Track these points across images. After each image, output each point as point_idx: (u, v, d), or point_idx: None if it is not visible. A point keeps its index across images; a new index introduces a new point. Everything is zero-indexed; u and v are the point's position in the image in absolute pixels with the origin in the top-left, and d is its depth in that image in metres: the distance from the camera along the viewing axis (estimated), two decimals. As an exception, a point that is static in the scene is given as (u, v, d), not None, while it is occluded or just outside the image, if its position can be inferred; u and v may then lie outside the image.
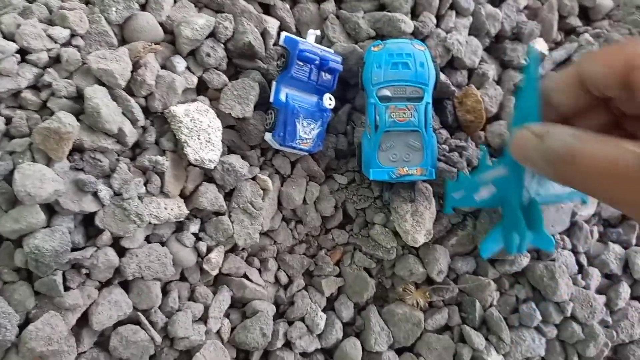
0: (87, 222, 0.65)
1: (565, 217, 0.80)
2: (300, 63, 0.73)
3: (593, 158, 0.37)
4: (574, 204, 0.81)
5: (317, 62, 0.73)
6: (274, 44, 0.79)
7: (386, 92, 0.74)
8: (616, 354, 0.83)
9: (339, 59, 0.76)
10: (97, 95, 0.62)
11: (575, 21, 0.94)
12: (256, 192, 0.74)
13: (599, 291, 0.82)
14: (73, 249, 0.62)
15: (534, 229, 0.68)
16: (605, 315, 0.80)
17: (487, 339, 0.78)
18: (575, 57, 0.90)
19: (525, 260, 0.79)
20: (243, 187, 0.73)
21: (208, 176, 0.72)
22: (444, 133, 0.82)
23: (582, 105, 0.47)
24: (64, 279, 0.62)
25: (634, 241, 0.85)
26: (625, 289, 0.82)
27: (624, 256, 0.83)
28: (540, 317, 0.78)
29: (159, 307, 0.68)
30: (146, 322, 0.66)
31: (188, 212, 0.69)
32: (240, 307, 0.75)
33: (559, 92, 0.48)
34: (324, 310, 0.78)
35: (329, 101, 0.75)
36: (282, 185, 0.77)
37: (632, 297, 0.83)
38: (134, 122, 0.66)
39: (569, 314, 0.79)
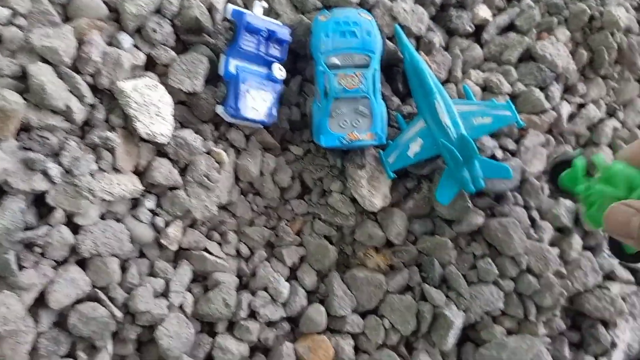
0: (39, 202, 0.65)
1: (515, 174, 0.82)
2: (248, 35, 0.73)
3: None
4: (523, 162, 0.84)
5: (264, 33, 0.74)
6: (223, 20, 0.80)
7: (335, 60, 0.75)
8: (572, 304, 0.86)
9: (287, 29, 0.76)
10: (42, 73, 0.62)
11: (516, -13, 0.97)
12: (211, 166, 0.74)
13: (552, 244, 0.85)
14: (26, 229, 0.61)
15: (470, 159, 0.74)
16: (560, 267, 0.83)
17: (447, 296, 0.80)
18: (517, 22, 0.92)
19: (480, 218, 0.81)
20: (197, 161, 0.73)
21: (161, 152, 0.72)
22: (395, 100, 0.84)
23: None
24: (18, 259, 0.61)
25: (583, 195, 0.88)
26: (577, 241, 0.85)
27: (575, 209, 0.86)
28: (497, 272, 0.81)
29: (119, 284, 0.68)
30: (105, 298, 0.66)
31: (143, 188, 0.69)
32: (202, 281, 0.75)
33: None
34: (287, 280, 0.79)
35: (279, 71, 0.76)
36: (237, 159, 0.77)
37: (585, 248, 0.86)
38: (81, 98, 0.66)
39: (524, 267, 0.81)
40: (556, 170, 0.74)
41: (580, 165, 0.69)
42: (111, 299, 0.67)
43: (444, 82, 0.86)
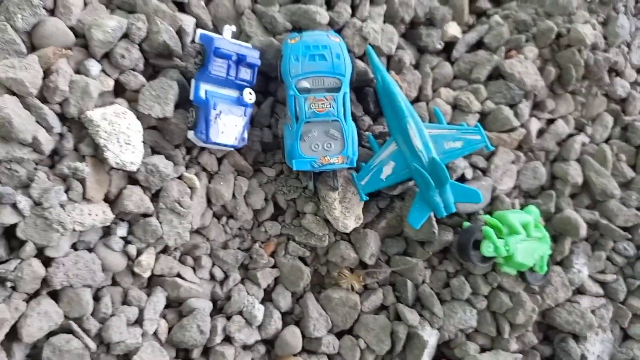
0: (9, 235, 0.64)
1: (486, 192, 0.83)
2: (218, 59, 0.73)
3: None
4: (493, 180, 0.85)
5: (234, 57, 0.74)
6: (192, 42, 0.79)
7: (305, 84, 0.75)
8: (544, 318, 0.88)
9: (257, 53, 0.76)
10: (7, 105, 0.61)
11: (485, 4, 0.98)
12: (183, 191, 0.74)
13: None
14: (-4, 263, 0.61)
15: (441, 184, 0.75)
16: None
17: (421, 315, 0.82)
18: (485, 39, 0.93)
19: (449, 235, 0.82)
20: (169, 187, 0.73)
21: (132, 178, 0.72)
22: (367, 120, 0.85)
23: None
24: (-12, 294, 0.60)
25: (552, 210, 0.90)
26: (546, 256, 0.86)
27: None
28: (470, 290, 0.82)
29: (92, 314, 0.68)
30: (79, 330, 0.66)
31: (114, 216, 0.69)
32: (176, 306, 0.75)
33: None
34: (262, 302, 0.79)
35: (249, 96, 0.76)
36: (209, 182, 0.77)
37: (555, 263, 0.88)
38: (48, 129, 0.65)
39: (496, 285, 0.83)
40: (468, 246, 0.78)
41: (491, 231, 0.77)
42: (85, 330, 0.66)
43: (415, 101, 0.87)
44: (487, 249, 0.77)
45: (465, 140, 0.78)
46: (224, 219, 0.80)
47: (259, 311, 0.76)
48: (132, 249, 0.71)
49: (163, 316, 0.73)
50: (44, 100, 0.66)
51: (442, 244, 0.82)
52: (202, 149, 0.78)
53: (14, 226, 0.63)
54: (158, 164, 0.71)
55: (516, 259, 0.78)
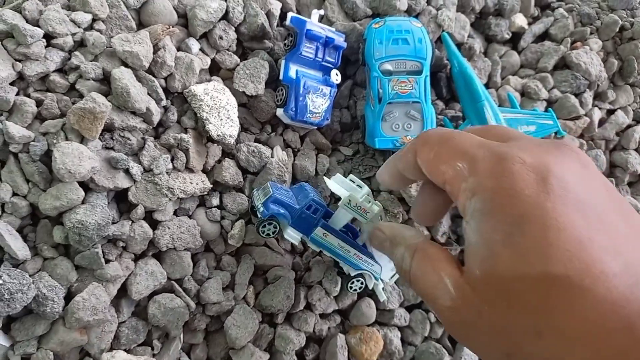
0: (119, 199, 0.69)
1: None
2: (308, 41, 0.77)
3: (421, 288, 0.43)
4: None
5: (323, 40, 0.78)
6: (277, 25, 0.83)
7: (388, 66, 0.79)
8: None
9: (343, 36, 0.80)
10: (124, 76, 0.65)
11: (549, -3, 1.02)
12: (280, 171, 0.78)
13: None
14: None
15: None
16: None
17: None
18: (551, 31, 0.97)
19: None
20: (269, 169, 0.77)
21: (226, 152, 0.76)
22: (440, 104, 0.88)
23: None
24: (102, 253, 0.65)
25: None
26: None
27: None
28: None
29: (191, 276, 0.72)
30: (180, 289, 0.70)
31: (211, 185, 0.73)
32: (261, 274, 0.79)
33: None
34: (338, 274, 0.83)
35: (335, 76, 0.80)
36: (295, 159, 0.81)
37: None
38: (158, 101, 0.70)
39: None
40: None
41: None
42: (185, 290, 0.71)
43: (486, 86, 0.91)
44: None
45: (538, 125, 0.82)
46: (305, 194, 0.83)
47: (337, 283, 0.80)
48: (227, 222, 0.75)
49: (250, 282, 0.77)
50: (151, 74, 0.70)
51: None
52: (286, 126, 0.82)
53: (124, 190, 0.67)
54: (261, 146, 0.75)
55: None
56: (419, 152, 0.45)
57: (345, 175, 0.83)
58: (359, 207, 0.68)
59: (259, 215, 0.68)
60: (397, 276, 0.79)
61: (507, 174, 0.36)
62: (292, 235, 0.70)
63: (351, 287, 0.75)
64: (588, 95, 0.92)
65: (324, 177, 0.72)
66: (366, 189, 0.69)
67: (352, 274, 0.74)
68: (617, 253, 0.33)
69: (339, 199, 0.66)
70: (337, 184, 0.69)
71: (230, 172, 0.74)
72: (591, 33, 0.97)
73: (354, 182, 0.70)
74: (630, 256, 0.33)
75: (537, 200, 0.34)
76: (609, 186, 0.38)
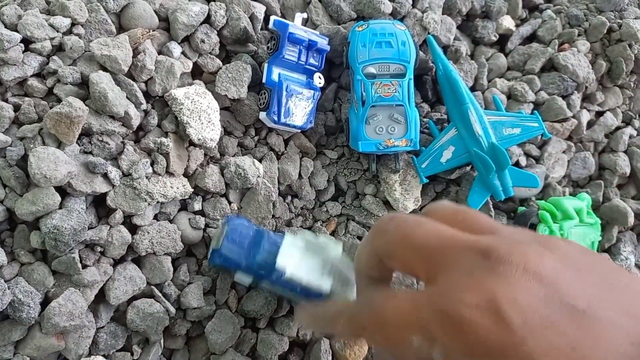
0: (97, 203, 0.68)
1: (540, 180, 0.86)
2: (291, 45, 0.77)
3: None
4: (546, 168, 0.88)
5: (305, 43, 0.77)
6: (261, 28, 0.83)
7: (371, 70, 0.79)
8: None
9: (326, 40, 0.80)
10: (102, 81, 0.65)
11: (537, -1, 1.01)
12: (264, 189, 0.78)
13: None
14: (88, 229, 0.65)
15: (501, 168, 0.78)
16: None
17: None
18: (539, 32, 0.97)
19: (504, 220, 0.85)
20: (255, 190, 0.77)
21: (208, 156, 0.76)
22: (425, 107, 0.88)
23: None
24: (80, 258, 0.64)
25: (600, 199, 0.92)
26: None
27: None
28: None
29: (171, 280, 0.71)
30: (160, 295, 0.69)
31: (192, 190, 0.73)
32: (244, 279, 0.79)
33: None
34: (322, 279, 0.82)
35: (319, 80, 0.80)
36: (278, 162, 0.81)
37: (603, 250, 0.91)
38: (137, 105, 0.69)
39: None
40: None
41: (548, 215, 0.80)
42: (165, 295, 0.70)
43: (471, 90, 0.90)
44: (542, 232, 0.79)
45: (523, 127, 0.82)
46: (289, 198, 0.83)
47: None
48: (205, 223, 0.74)
49: (232, 287, 0.77)
50: (131, 78, 0.70)
51: (496, 228, 0.85)
52: (270, 130, 0.81)
53: (103, 195, 0.67)
54: (248, 170, 0.74)
55: None
56: (375, 242, 0.43)
57: (329, 179, 0.83)
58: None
59: (208, 257, 0.68)
60: None
61: (461, 329, 0.32)
62: (242, 279, 0.69)
63: None
64: (576, 97, 0.92)
65: (286, 235, 0.70)
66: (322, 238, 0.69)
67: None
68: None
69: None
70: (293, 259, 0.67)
71: (212, 179, 0.73)
72: (579, 35, 0.96)
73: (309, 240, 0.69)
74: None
75: (502, 341, 0.31)
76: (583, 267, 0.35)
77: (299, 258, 0.67)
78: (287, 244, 0.67)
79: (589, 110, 0.95)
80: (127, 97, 0.68)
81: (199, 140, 0.71)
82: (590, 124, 0.96)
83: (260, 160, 0.79)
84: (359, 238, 0.85)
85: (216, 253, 0.66)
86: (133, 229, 0.69)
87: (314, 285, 0.66)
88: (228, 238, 0.67)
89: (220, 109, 0.77)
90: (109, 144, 0.67)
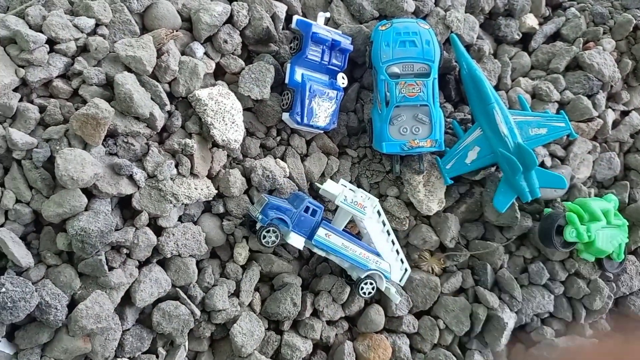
0: (122, 205, 0.68)
1: (566, 180, 0.85)
2: (314, 45, 0.76)
3: None
4: (571, 169, 0.87)
5: (329, 43, 0.77)
6: (283, 28, 0.82)
7: (395, 69, 0.78)
8: (617, 306, 0.89)
9: (349, 39, 0.79)
10: (127, 82, 0.65)
11: (561, -4, 1.00)
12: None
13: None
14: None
15: (528, 169, 0.77)
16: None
17: (500, 298, 0.83)
18: (563, 31, 0.95)
19: (529, 221, 0.84)
20: (281, 189, 0.77)
21: (231, 157, 0.75)
22: (449, 107, 0.87)
23: None
24: (106, 260, 0.64)
25: (626, 200, 0.91)
26: (622, 245, 0.88)
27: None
28: (548, 275, 0.84)
29: (196, 283, 0.71)
30: (185, 297, 0.69)
31: (216, 191, 0.72)
32: (267, 280, 0.78)
33: None
34: (347, 283, 0.81)
35: (342, 80, 0.79)
36: (303, 162, 0.80)
37: (630, 252, 0.89)
38: (162, 106, 0.69)
39: (573, 271, 0.85)
40: (552, 231, 0.79)
41: (575, 217, 0.79)
42: (190, 298, 0.70)
43: (496, 88, 0.89)
44: (570, 234, 0.78)
45: (550, 127, 0.80)
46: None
47: (345, 292, 0.79)
48: (230, 225, 0.74)
49: (256, 289, 0.76)
50: (155, 79, 0.69)
51: (522, 230, 0.84)
52: (293, 131, 0.81)
53: (128, 197, 0.67)
54: (275, 171, 0.75)
55: (597, 245, 0.79)
56: None
57: (350, 182, 0.82)
58: (355, 203, 0.70)
59: (259, 224, 0.69)
60: (407, 276, 0.79)
61: None
62: (295, 240, 0.70)
63: (362, 290, 0.74)
64: (601, 97, 0.90)
65: (316, 184, 0.71)
66: (359, 190, 0.73)
67: (362, 276, 0.73)
68: None
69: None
70: (330, 187, 0.72)
71: (237, 186, 0.73)
72: (604, 33, 0.95)
73: (345, 186, 0.72)
74: None
75: None
76: None
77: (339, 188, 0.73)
78: (322, 187, 0.74)
79: (614, 110, 0.94)
80: (151, 98, 0.68)
81: (223, 141, 0.70)
82: (615, 124, 0.94)
83: (282, 159, 0.78)
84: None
85: (267, 208, 0.69)
86: (158, 230, 0.68)
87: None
88: (271, 198, 0.71)
89: (243, 110, 0.76)
90: (134, 146, 0.67)
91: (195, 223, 0.72)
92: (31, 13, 0.65)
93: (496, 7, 0.93)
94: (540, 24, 0.97)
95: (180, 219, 0.71)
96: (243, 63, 0.77)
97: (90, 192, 0.64)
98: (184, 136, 0.71)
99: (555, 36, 0.97)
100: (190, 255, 0.70)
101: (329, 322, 0.80)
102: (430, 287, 0.83)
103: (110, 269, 0.64)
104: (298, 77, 0.76)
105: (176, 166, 0.69)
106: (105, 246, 0.63)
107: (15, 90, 0.64)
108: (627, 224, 0.85)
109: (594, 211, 0.80)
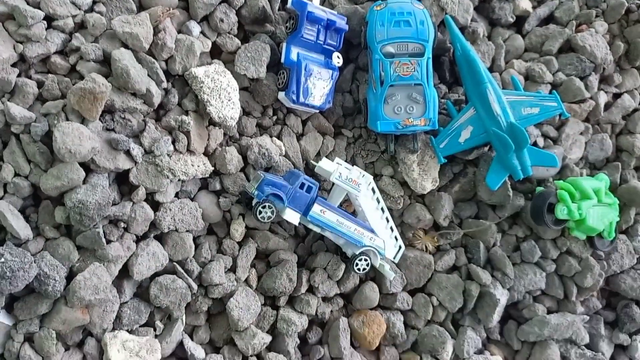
0: (120, 180, 0.69)
1: (558, 160, 0.86)
2: (309, 24, 0.77)
3: None
4: (563, 149, 0.88)
5: (324, 22, 0.77)
6: (279, 8, 0.83)
7: (390, 49, 0.79)
8: (608, 284, 0.91)
9: (345, 19, 0.80)
10: (124, 57, 0.66)
11: (554, -20, 1.00)
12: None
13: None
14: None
15: (520, 147, 0.78)
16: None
17: (492, 275, 0.85)
18: (556, 14, 0.96)
19: (522, 200, 0.85)
20: (277, 167, 0.78)
21: (228, 135, 0.76)
22: (443, 88, 0.88)
23: None
24: (104, 233, 0.65)
25: (618, 181, 0.92)
26: (613, 224, 0.89)
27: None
28: (540, 253, 0.85)
29: (193, 257, 0.72)
30: (182, 271, 0.70)
31: (212, 168, 0.73)
32: (263, 257, 0.79)
33: None
34: (342, 260, 0.82)
35: (337, 59, 0.80)
36: (299, 141, 0.81)
37: (621, 232, 0.90)
38: (158, 83, 0.70)
39: (564, 249, 0.86)
40: (543, 209, 0.80)
41: (566, 195, 0.80)
42: (187, 272, 0.71)
43: (490, 70, 0.90)
44: (561, 212, 0.79)
45: (542, 107, 0.81)
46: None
47: (341, 269, 0.80)
48: (226, 202, 0.75)
49: (252, 265, 0.77)
50: (152, 56, 0.70)
51: (514, 209, 0.85)
52: (289, 110, 0.81)
53: (125, 172, 0.68)
54: (271, 149, 0.76)
55: (588, 222, 0.81)
56: None
57: (346, 161, 0.83)
58: (349, 180, 0.72)
59: (255, 199, 0.70)
60: (401, 253, 0.80)
61: None
62: (291, 215, 0.71)
63: (357, 267, 0.76)
64: (594, 79, 0.91)
65: (312, 162, 0.73)
66: (354, 167, 0.74)
67: (357, 252, 0.75)
68: None
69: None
70: (325, 165, 0.73)
71: (233, 163, 0.74)
72: (597, 16, 0.95)
73: (341, 164, 0.73)
74: None
75: None
76: None
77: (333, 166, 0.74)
78: (318, 164, 0.74)
79: (606, 92, 0.94)
80: (148, 75, 0.69)
81: (219, 118, 0.71)
82: (607, 106, 0.95)
83: (278, 137, 0.79)
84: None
85: (263, 184, 0.70)
86: (155, 205, 0.69)
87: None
88: (267, 175, 0.72)
89: (239, 89, 0.77)
90: (131, 122, 0.68)
91: (192, 200, 0.72)
92: (29, -11, 0.66)
93: (490, -10, 0.94)
94: (534, 7, 0.97)
95: (177, 195, 0.72)
96: (239, 42, 0.78)
97: (88, 167, 0.65)
98: (181, 113, 0.72)
99: (549, 19, 0.98)
100: (187, 231, 0.71)
101: (325, 299, 0.81)
102: (424, 265, 0.84)
103: (108, 242, 0.65)
104: (294, 56, 0.77)
105: (173, 143, 0.70)
106: (103, 219, 0.64)
107: (14, 65, 0.64)
108: (618, 202, 0.86)
109: (585, 189, 0.81)
